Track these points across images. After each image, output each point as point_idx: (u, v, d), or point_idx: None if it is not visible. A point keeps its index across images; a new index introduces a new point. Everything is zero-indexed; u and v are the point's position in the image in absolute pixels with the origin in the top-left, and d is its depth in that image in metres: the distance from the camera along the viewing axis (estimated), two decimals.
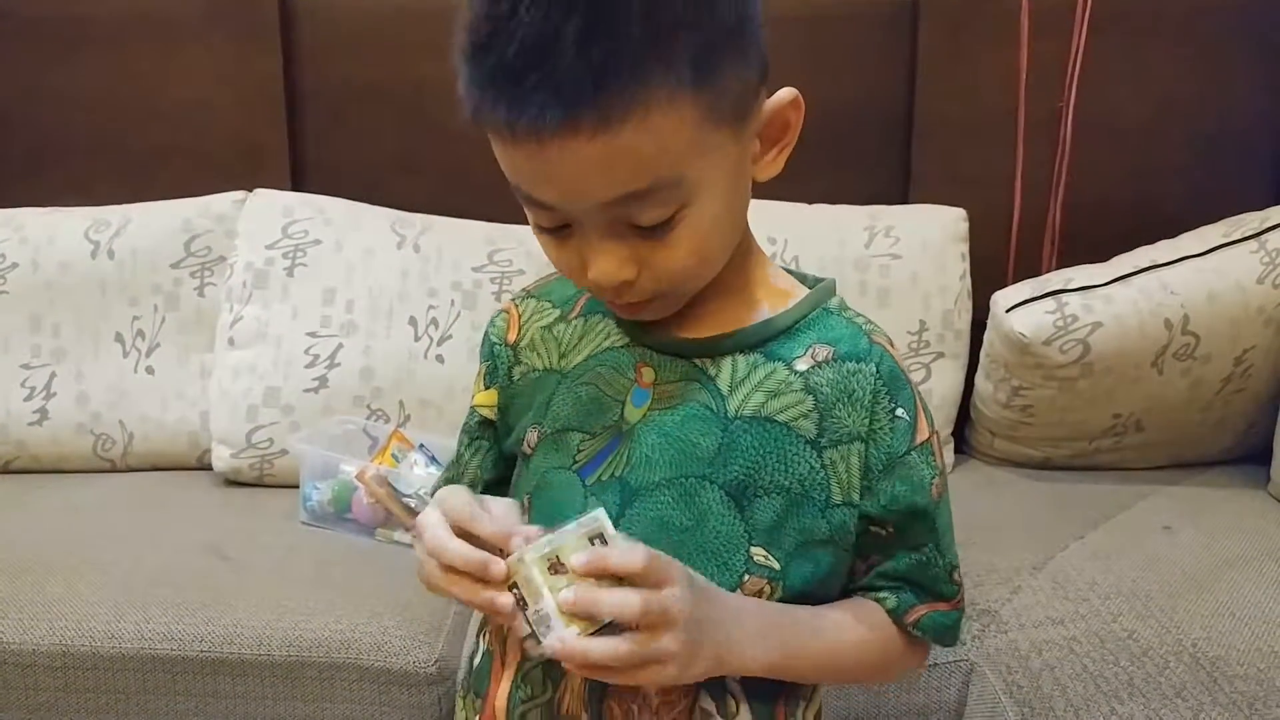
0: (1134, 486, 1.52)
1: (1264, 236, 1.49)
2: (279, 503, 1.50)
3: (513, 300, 0.77)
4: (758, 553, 0.65)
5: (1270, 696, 0.98)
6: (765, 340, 0.67)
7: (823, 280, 0.71)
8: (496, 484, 0.76)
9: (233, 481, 1.59)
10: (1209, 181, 1.73)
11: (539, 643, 0.58)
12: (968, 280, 1.62)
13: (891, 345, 0.69)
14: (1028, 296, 1.48)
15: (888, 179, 1.78)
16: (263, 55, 1.75)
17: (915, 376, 1.57)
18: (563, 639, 0.56)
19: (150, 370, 1.64)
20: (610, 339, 0.70)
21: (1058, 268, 1.68)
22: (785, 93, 0.62)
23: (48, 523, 1.43)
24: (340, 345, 1.56)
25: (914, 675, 1.05)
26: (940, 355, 1.59)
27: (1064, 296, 1.47)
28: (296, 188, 1.77)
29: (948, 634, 0.70)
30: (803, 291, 0.70)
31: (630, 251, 0.59)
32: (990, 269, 1.70)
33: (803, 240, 1.60)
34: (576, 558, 0.58)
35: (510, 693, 0.69)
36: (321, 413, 1.55)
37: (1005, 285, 1.58)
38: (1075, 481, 1.56)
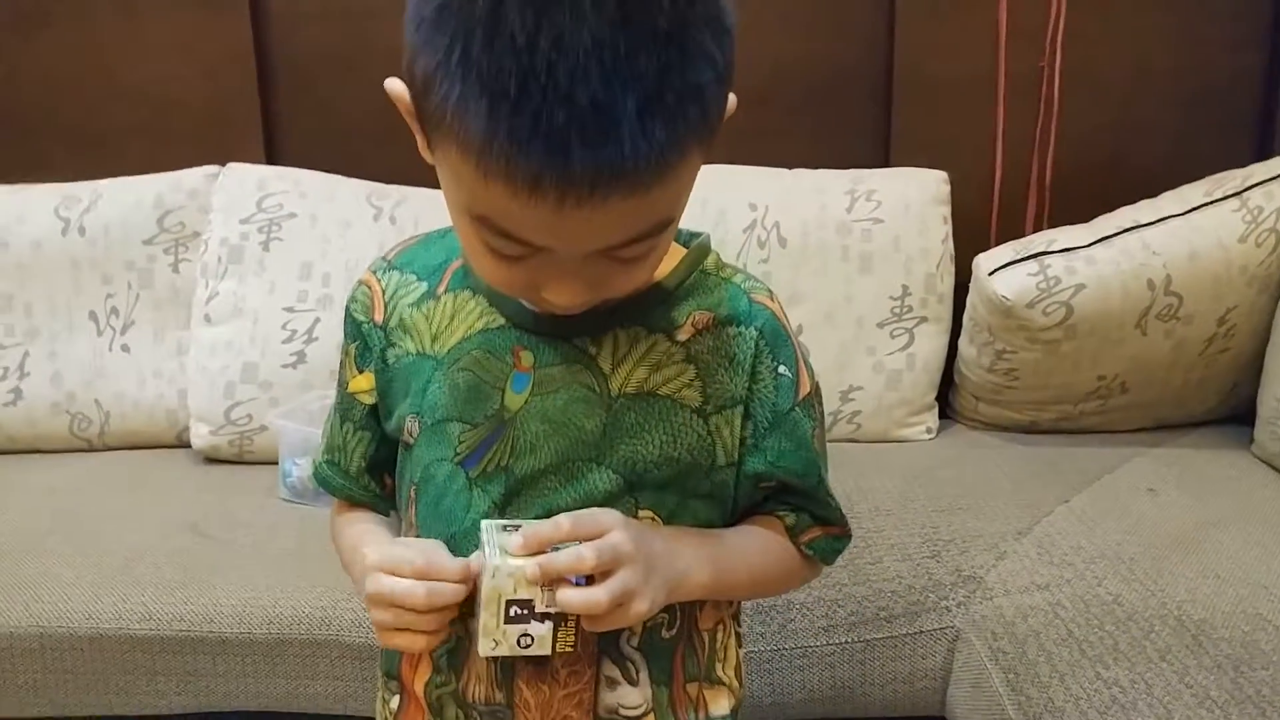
0: (1118, 449, 1.52)
1: (1246, 194, 1.48)
2: (259, 479, 1.48)
3: (371, 271, 0.73)
4: (644, 514, 0.66)
5: (1255, 658, 0.98)
6: (644, 313, 0.66)
7: (698, 236, 0.70)
8: (377, 465, 0.74)
9: (212, 459, 1.57)
10: (1192, 140, 1.71)
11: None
12: (950, 243, 1.60)
13: (773, 299, 0.69)
14: (1010, 259, 1.47)
15: (869, 142, 1.75)
16: (232, 25, 1.70)
17: (899, 342, 1.56)
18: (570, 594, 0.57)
19: (125, 348, 1.61)
20: (484, 319, 0.67)
21: (1041, 229, 1.66)
22: (732, 102, 0.58)
23: (24, 503, 1.41)
24: (318, 319, 1.54)
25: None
26: (923, 320, 1.58)
27: (1046, 259, 1.45)
28: (271, 161, 1.73)
29: (833, 556, 0.74)
30: (679, 253, 0.68)
31: (596, 277, 0.58)
32: (973, 231, 1.68)
33: (784, 206, 1.58)
34: (512, 541, 0.59)
35: (428, 676, 0.70)
36: (300, 388, 1.53)
37: (988, 248, 1.56)
38: (1060, 445, 1.56)
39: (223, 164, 1.66)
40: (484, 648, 0.59)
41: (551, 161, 0.49)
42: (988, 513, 1.31)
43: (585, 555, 0.57)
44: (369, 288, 0.72)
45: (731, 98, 0.57)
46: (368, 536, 0.71)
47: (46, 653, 1.18)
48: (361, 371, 0.72)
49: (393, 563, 0.60)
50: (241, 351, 1.54)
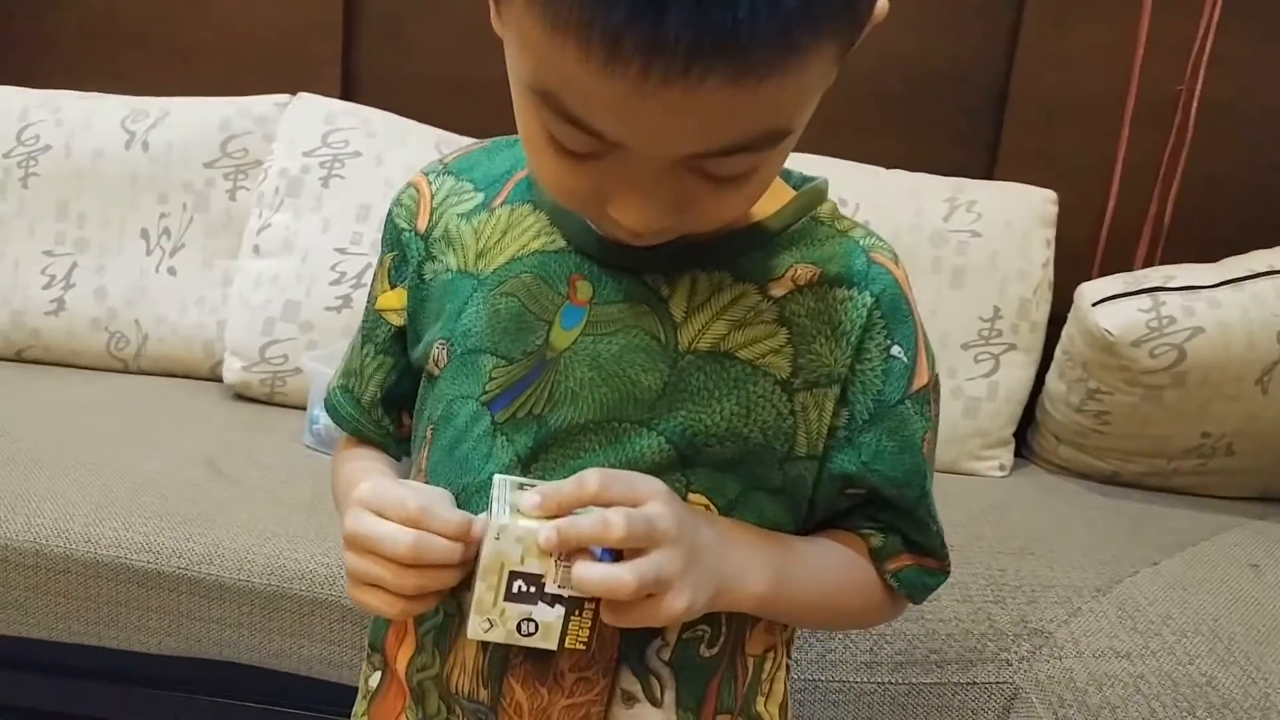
0: (1217, 515, 1.37)
1: None
2: (286, 422, 1.41)
3: (423, 173, 0.62)
4: (696, 499, 0.54)
5: None
6: (735, 256, 0.54)
7: (812, 180, 0.57)
8: (395, 400, 0.64)
9: (242, 395, 1.51)
10: None
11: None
12: (1050, 269, 1.47)
13: (897, 265, 0.57)
14: (1120, 291, 1.34)
15: (973, 152, 1.63)
16: None
17: (982, 368, 1.44)
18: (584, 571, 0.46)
19: (172, 271, 1.56)
20: (540, 239, 0.56)
21: (1151, 265, 1.52)
22: (883, 5, 0.47)
23: (47, 415, 1.36)
24: (369, 264, 1.47)
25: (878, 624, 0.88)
26: (1012, 347, 1.45)
27: (1162, 295, 1.32)
28: (346, 96, 1.67)
29: (922, 594, 0.61)
30: (786, 194, 0.56)
31: (678, 196, 0.46)
32: (1074, 260, 1.55)
33: (876, 206, 1.46)
34: (526, 499, 0.47)
35: (411, 655, 0.59)
36: (341, 333, 1.45)
37: (1088, 278, 1.43)
38: (1148, 502, 1.42)
39: (295, 94, 1.60)
40: (474, 628, 0.48)
41: (639, 16, 0.39)
42: (1062, 563, 1.18)
43: (614, 522, 0.46)
44: (417, 190, 0.61)
45: (882, 7, 0.46)
46: (367, 474, 0.60)
47: (40, 571, 1.11)
48: (394, 287, 0.62)
49: (381, 501, 0.50)
50: (286, 288, 1.47)
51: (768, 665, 0.60)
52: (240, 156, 1.56)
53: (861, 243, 0.57)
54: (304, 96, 1.58)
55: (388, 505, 0.49)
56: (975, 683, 1.06)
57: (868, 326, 0.54)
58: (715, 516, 0.54)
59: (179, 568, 1.10)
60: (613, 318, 0.54)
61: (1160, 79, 1.54)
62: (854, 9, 0.43)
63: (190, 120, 1.57)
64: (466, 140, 1.55)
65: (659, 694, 0.55)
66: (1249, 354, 1.29)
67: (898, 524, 0.59)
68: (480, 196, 0.59)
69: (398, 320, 0.62)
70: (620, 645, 0.54)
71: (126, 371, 1.58)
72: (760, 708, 0.59)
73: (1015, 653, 1.07)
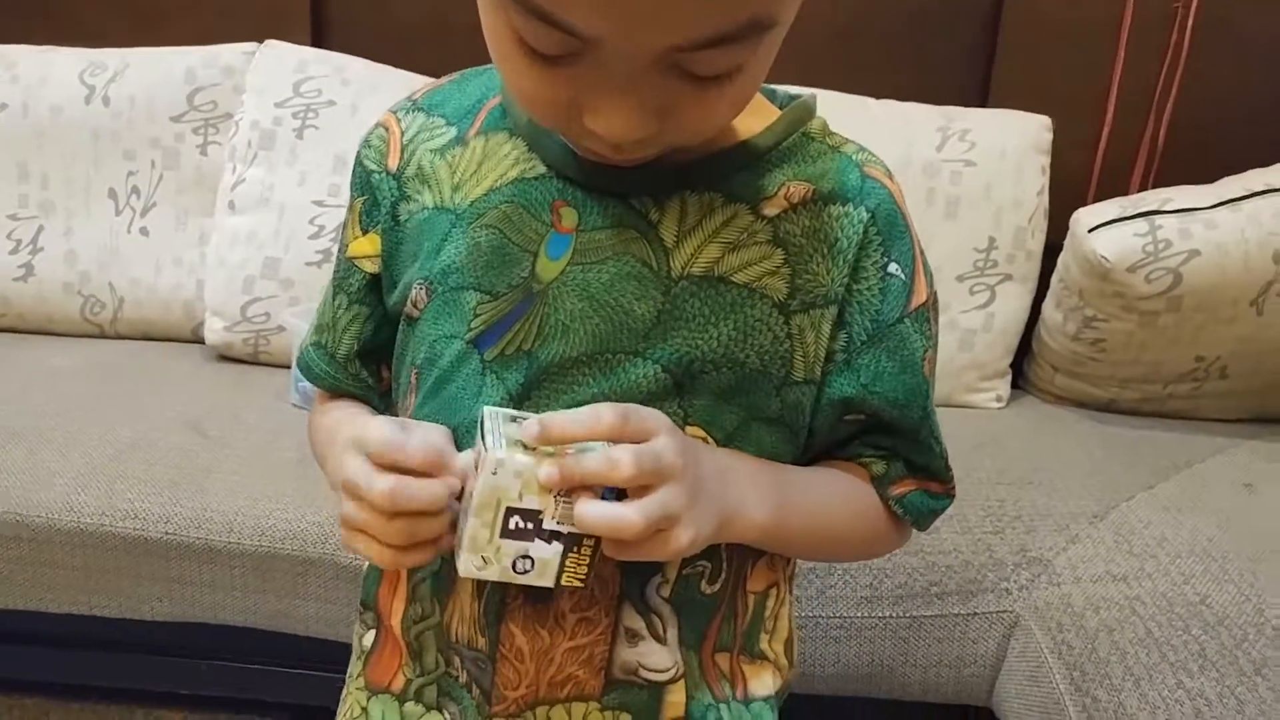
0: (1211, 438, 1.37)
1: None
2: (271, 382, 1.39)
3: (392, 112, 0.59)
4: (693, 431, 0.52)
5: None
6: (725, 176, 0.52)
7: (798, 97, 0.55)
8: (372, 353, 0.61)
9: (225, 356, 1.48)
10: None
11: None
12: (1045, 196, 1.45)
13: (892, 180, 0.55)
14: (1115, 216, 1.31)
15: (966, 80, 1.60)
16: None
17: (978, 299, 1.42)
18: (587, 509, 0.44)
19: (144, 231, 1.52)
20: (519, 166, 0.53)
21: (1147, 189, 1.50)
22: None
23: (23, 384, 1.33)
24: None
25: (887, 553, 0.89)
26: (1008, 277, 1.43)
27: (1158, 219, 1.29)
28: (317, 45, 1.62)
29: (927, 519, 0.60)
30: (773, 113, 0.54)
31: (659, 102, 0.44)
32: (1070, 187, 1.53)
33: (866, 138, 1.40)
34: (527, 430, 0.45)
35: (405, 610, 0.57)
36: (323, 289, 1.42)
37: (1084, 205, 1.40)
38: (1143, 428, 1.41)
39: (263, 42, 1.54)
40: (466, 565, 0.46)
41: None
42: (1060, 491, 1.17)
43: (622, 461, 0.44)
44: (386, 130, 0.59)
45: None
46: (354, 420, 0.58)
47: (23, 542, 1.10)
48: (366, 233, 0.58)
49: (368, 441, 0.47)
50: (264, 244, 1.43)
51: (770, 602, 0.58)
52: (209, 110, 1.51)
53: (855, 158, 0.55)
54: (272, 44, 1.53)
55: (380, 452, 0.47)
56: (976, 613, 1.06)
57: (864, 244, 0.53)
58: (715, 448, 0.52)
59: (166, 533, 1.09)
60: (601, 245, 0.52)
61: None
62: None
63: (153, 72, 1.51)
64: None
65: (662, 631, 0.54)
66: (1245, 276, 1.27)
67: (900, 448, 0.57)
68: (453, 130, 0.56)
69: (371, 267, 0.59)
70: (623, 582, 0.53)
71: (104, 336, 1.55)
72: (765, 645, 0.58)
73: (1015, 581, 1.06)
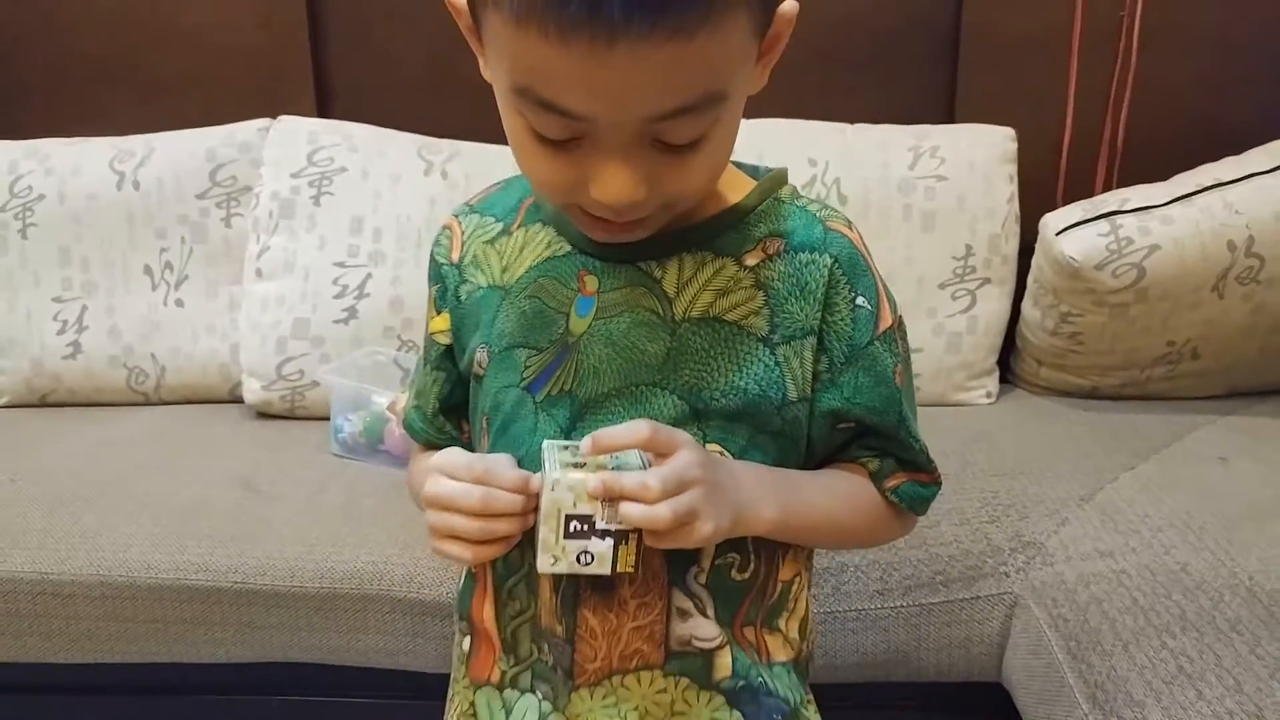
0: (1187, 416, 1.47)
1: None
2: (310, 435, 1.49)
3: (454, 215, 0.73)
4: (712, 449, 0.64)
5: None
6: (713, 237, 0.64)
7: (772, 170, 0.68)
8: (454, 410, 0.75)
9: (264, 414, 1.58)
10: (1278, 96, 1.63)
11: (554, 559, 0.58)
12: (1016, 203, 1.55)
13: (851, 228, 0.66)
14: (1080, 218, 1.41)
15: (934, 98, 1.70)
16: None
17: (960, 304, 1.52)
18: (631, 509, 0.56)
19: (180, 303, 1.62)
20: (551, 248, 0.67)
21: (1111, 189, 1.60)
22: (790, 6, 0.57)
23: (83, 455, 1.43)
24: (369, 275, 1.54)
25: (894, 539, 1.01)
26: (986, 281, 1.53)
27: (1119, 218, 1.39)
28: (322, 113, 1.73)
29: (921, 505, 0.71)
30: (750, 184, 0.66)
31: (646, 170, 0.55)
32: (1040, 191, 1.63)
33: (845, 162, 1.53)
34: (584, 445, 0.58)
35: (498, 611, 0.69)
36: (351, 344, 1.53)
37: (1055, 208, 1.50)
38: (1125, 411, 1.51)
39: (274, 116, 1.65)
40: (543, 564, 0.58)
41: None
42: (1049, 478, 1.27)
43: (650, 484, 0.55)
44: (450, 230, 0.73)
45: (791, 2, 0.56)
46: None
47: (108, 600, 1.20)
48: (439, 313, 0.73)
49: (453, 466, 0.60)
50: (293, 307, 1.54)
51: (794, 588, 0.70)
52: (230, 185, 1.62)
53: (818, 215, 0.66)
54: (284, 119, 1.63)
55: (458, 468, 0.59)
56: (978, 597, 1.16)
57: (831, 283, 0.64)
58: (729, 459, 0.64)
59: (235, 583, 1.19)
60: (618, 301, 0.64)
61: (1102, 6, 1.61)
62: None
63: (176, 154, 1.62)
64: (446, 143, 1.62)
65: (708, 610, 0.66)
66: (1203, 264, 1.38)
67: (888, 448, 0.68)
68: (500, 225, 0.71)
69: (446, 340, 0.73)
70: (668, 571, 0.64)
71: (148, 404, 1.65)
72: (783, 624, 0.69)
73: (1012, 565, 1.16)
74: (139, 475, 1.35)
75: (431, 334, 0.74)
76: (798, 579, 0.70)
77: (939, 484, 0.71)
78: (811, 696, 0.73)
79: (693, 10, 0.49)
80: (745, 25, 0.53)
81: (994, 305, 1.54)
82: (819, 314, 0.64)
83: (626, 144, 0.54)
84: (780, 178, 0.67)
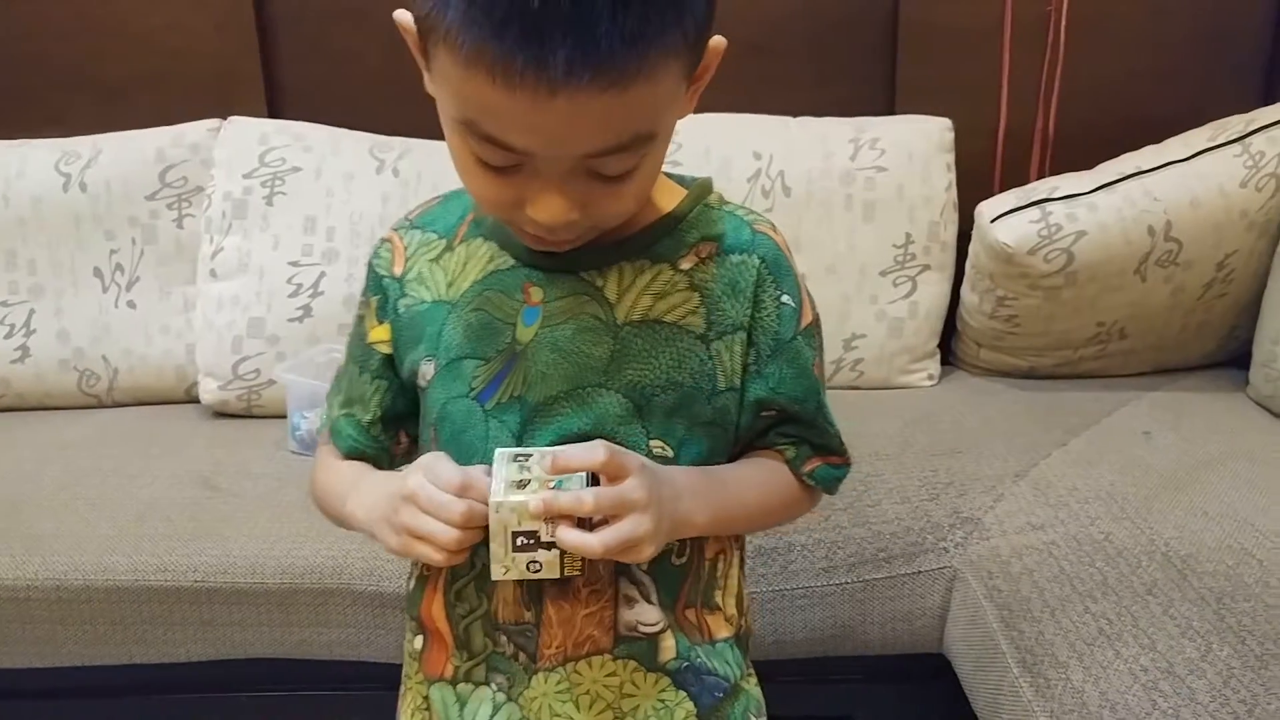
0: (1117, 393, 1.53)
1: (1248, 139, 1.47)
2: (268, 433, 1.50)
3: (395, 230, 0.76)
4: (655, 444, 0.68)
5: (1238, 591, 1.00)
6: (649, 245, 0.69)
7: (699, 180, 0.72)
8: (394, 420, 0.76)
9: (221, 413, 1.59)
10: (1202, 87, 1.70)
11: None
12: (954, 191, 1.60)
13: (775, 231, 0.71)
14: (1012, 206, 1.47)
15: (874, 90, 1.74)
16: None
17: (901, 290, 1.57)
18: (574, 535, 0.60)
19: (131, 304, 1.63)
20: (494, 261, 0.70)
21: (1046, 176, 1.66)
22: (718, 41, 0.62)
23: (35, 459, 1.44)
24: (323, 273, 1.55)
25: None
26: (926, 268, 1.58)
27: (1048, 205, 1.45)
28: (273, 114, 1.73)
29: (834, 485, 0.76)
30: (681, 193, 0.71)
31: (580, 196, 0.60)
32: (977, 180, 1.69)
33: (788, 155, 1.58)
34: (540, 464, 0.61)
35: (447, 609, 0.72)
36: (307, 342, 1.54)
37: (992, 196, 1.56)
38: (1060, 390, 1.57)
39: (225, 117, 1.66)
40: (496, 573, 0.62)
41: (527, 45, 0.52)
42: (986, 456, 1.33)
43: (586, 501, 0.59)
44: (392, 244, 0.75)
45: (719, 38, 0.60)
46: (370, 472, 0.74)
47: (64, 604, 1.21)
48: (381, 323, 0.75)
49: (435, 471, 0.63)
50: (248, 307, 1.55)
51: (720, 565, 0.74)
52: (180, 185, 1.62)
53: (745, 219, 0.71)
54: (235, 120, 1.64)
55: (440, 475, 0.63)
56: (920, 571, 1.21)
57: (759, 282, 0.69)
58: (671, 471, 0.67)
59: (195, 581, 1.20)
60: (562, 310, 0.68)
61: (1031, 2, 1.66)
62: (686, 34, 0.57)
63: (124, 155, 1.62)
64: (397, 141, 1.63)
65: (651, 595, 0.70)
66: (1126, 249, 1.44)
67: (804, 435, 0.74)
68: (443, 243, 0.74)
69: (387, 349, 0.75)
70: (615, 565, 0.68)
71: (101, 406, 1.65)
72: (719, 600, 0.74)
73: (951, 540, 1.21)
74: (94, 477, 1.36)
75: (372, 343, 0.75)
76: (722, 556, 0.74)
77: (849, 465, 0.77)
78: (752, 669, 0.78)
79: (630, 65, 0.53)
80: (676, 70, 0.58)
81: (934, 290, 1.60)
82: (749, 311, 0.69)
83: (563, 174, 0.59)
84: (707, 186, 0.72)
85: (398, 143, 1.63)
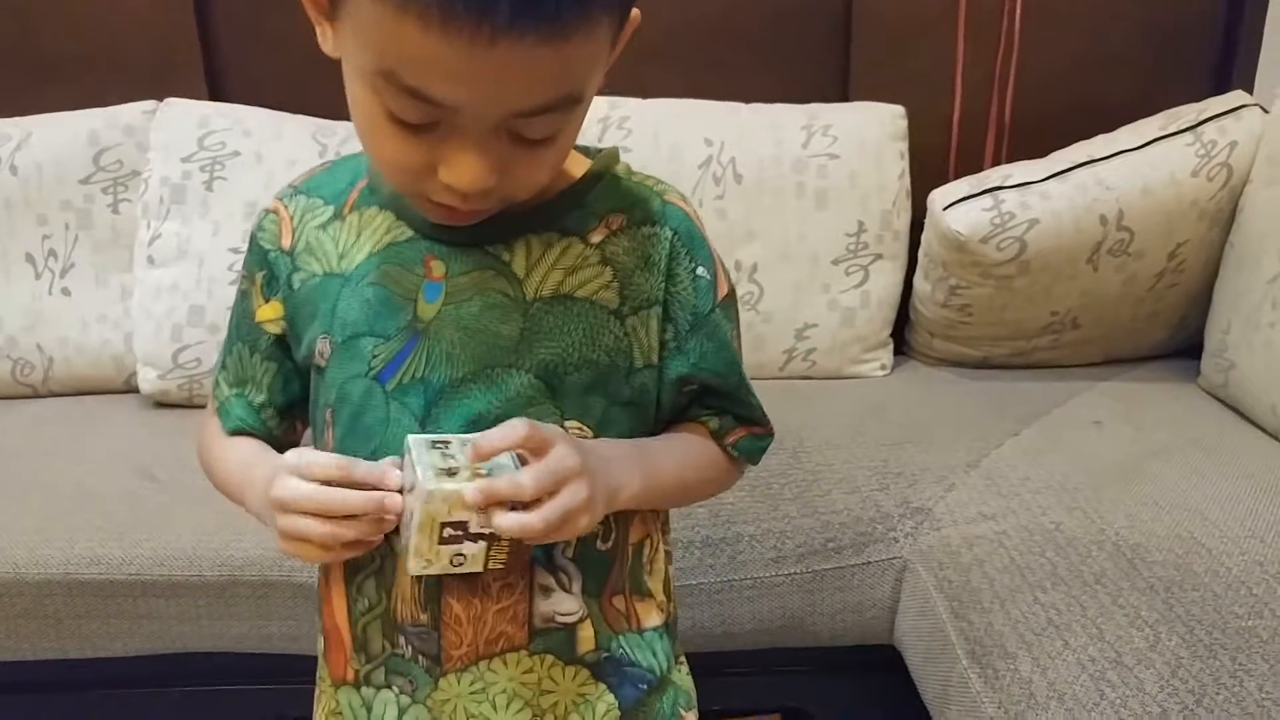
0: (1069, 383, 1.54)
1: (1200, 129, 1.48)
2: None
3: (279, 199, 0.71)
4: (571, 425, 0.65)
5: (1186, 580, 1.01)
6: (557, 217, 0.66)
7: (605, 150, 0.70)
8: (289, 407, 0.72)
9: (161, 403, 1.55)
10: (1154, 77, 1.70)
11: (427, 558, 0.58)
12: (907, 180, 1.59)
13: (685, 201, 0.69)
14: (965, 194, 1.47)
15: (827, 78, 1.73)
16: None
17: (853, 279, 1.56)
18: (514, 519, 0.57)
19: (66, 291, 1.57)
20: (391, 233, 0.66)
21: (1000, 164, 1.66)
22: (638, 14, 0.59)
23: None
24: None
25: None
26: (879, 256, 1.58)
27: (1001, 194, 1.45)
28: (214, 96, 1.68)
29: (758, 455, 0.75)
30: (586, 163, 0.68)
31: (499, 159, 0.56)
32: (931, 169, 1.68)
33: (739, 142, 1.56)
34: (462, 452, 0.57)
35: (349, 604, 0.69)
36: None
37: (945, 184, 1.56)
38: (1012, 380, 1.57)
39: (162, 99, 1.61)
40: (414, 567, 0.58)
41: None
42: (937, 446, 1.32)
43: (524, 484, 0.56)
44: (277, 215, 0.70)
45: (637, 10, 0.58)
46: (267, 456, 0.69)
47: None
48: (269, 300, 0.70)
49: (304, 466, 0.59)
50: (188, 294, 1.51)
51: (646, 550, 0.72)
52: (115, 169, 1.57)
53: (655, 189, 0.69)
54: (172, 102, 1.59)
55: (311, 466, 0.59)
56: (869, 562, 1.20)
57: (672, 254, 0.67)
58: (595, 442, 0.65)
59: (130, 574, 1.17)
60: (467, 285, 0.64)
61: None
62: (621, 1, 0.55)
63: (56, 138, 1.56)
64: (341, 125, 1.59)
65: (569, 584, 0.67)
66: (1078, 238, 1.44)
67: (727, 407, 0.72)
68: (330, 209, 0.69)
69: (277, 329, 0.70)
70: (530, 552, 0.66)
71: (36, 396, 1.60)
72: (649, 585, 0.72)
73: (901, 530, 1.21)
74: (27, 468, 1.32)
75: (260, 322, 0.71)
76: (648, 540, 0.72)
77: (772, 435, 0.75)
78: (682, 658, 0.76)
79: (574, 17, 0.51)
80: (607, 32, 0.55)
81: (887, 279, 1.59)
82: (663, 285, 0.66)
83: (484, 133, 0.55)
84: (614, 155, 0.69)
85: (342, 127, 1.59)
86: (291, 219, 0.69)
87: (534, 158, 0.58)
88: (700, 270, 0.67)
